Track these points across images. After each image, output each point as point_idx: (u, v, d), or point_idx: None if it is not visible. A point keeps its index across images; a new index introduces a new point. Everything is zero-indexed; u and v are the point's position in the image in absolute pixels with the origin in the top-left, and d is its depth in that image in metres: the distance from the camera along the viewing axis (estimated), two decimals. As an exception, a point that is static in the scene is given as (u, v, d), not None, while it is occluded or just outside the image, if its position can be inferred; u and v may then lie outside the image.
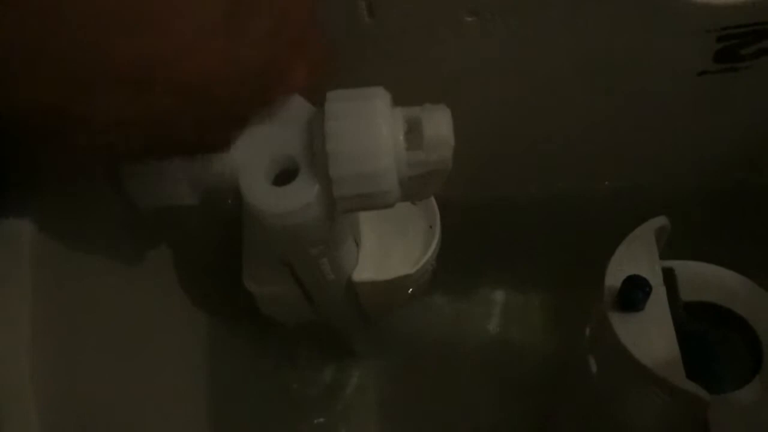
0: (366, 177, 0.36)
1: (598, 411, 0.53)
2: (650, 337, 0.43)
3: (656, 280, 0.45)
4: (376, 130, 0.36)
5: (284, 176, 0.38)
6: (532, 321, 0.65)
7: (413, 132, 0.38)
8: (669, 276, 0.50)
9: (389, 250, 0.51)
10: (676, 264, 0.51)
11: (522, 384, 0.63)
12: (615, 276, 0.45)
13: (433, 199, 0.51)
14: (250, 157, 0.38)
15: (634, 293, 0.43)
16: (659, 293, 0.45)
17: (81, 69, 0.26)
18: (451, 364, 0.64)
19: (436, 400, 0.63)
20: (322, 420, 0.63)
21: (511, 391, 0.62)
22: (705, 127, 0.60)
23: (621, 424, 0.50)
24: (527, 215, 0.67)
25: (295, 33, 0.35)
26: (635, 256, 0.46)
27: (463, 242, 0.54)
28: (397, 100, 0.38)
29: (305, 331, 0.59)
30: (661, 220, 0.48)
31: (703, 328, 0.50)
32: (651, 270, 0.46)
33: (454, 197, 0.52)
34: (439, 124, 0.37)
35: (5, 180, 0.35)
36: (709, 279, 0.51)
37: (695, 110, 0.58)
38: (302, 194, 0.37)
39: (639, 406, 0.47)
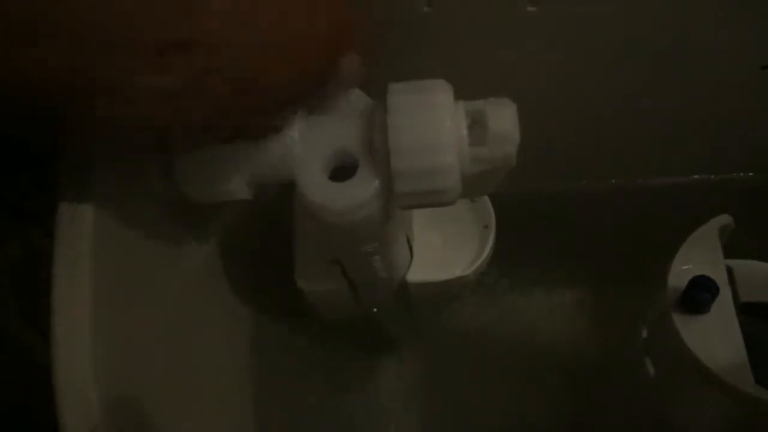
0: (429, 173, 0.35)
1: (649, 413, 0.52)
2: (716, 340, 0.42)
3: (721, 281, 0.44)
4: (439, 124, 0.35)
5: (341, 172, 0.37)
6: (574, 319, 0.63)
7: (476, 127, 0.36)
8: (728, 276, 0.49)
9: (444, 249, 0.49)
10: (734, 263, 0.50)
11: (561, 382, 0.61)
12: (678, 276, 0.43)
13: (487, 198, 0.49)
14: (307, 152, 0.36)
15: (701, 295, 0.42)
16: (725, 294, 0.43)
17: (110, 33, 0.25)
18: (488, 360, 0.63)
19: (473, 393, 0.62)
20: (361, 408, 0.62)
21: (550, 389, 0.61)
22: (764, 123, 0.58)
23: (675, 427, 0.49)
24: (571, 210, 0.65)
25: (334, 16, 0.33)
26: (699, 256, 0.45)
27: (505, 236, 0.52)
28: (456, 91, 0.37)
29: (347, 323, 0.58)
30: (724, 218, 0.46)
31: (765, 330, 0.49)
32: (715, 270, 0.44)
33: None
34: (504, 118, 0.36)
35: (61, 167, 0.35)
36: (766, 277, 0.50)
37: (756, 104, 0.56)
38: (362, 190, 0.36)
39: (699, 411, 0.45)
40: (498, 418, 0.61)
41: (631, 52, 0.51)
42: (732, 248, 0.50)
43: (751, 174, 0.64)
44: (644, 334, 0.48)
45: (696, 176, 0.63)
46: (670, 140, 0.59)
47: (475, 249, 0.49)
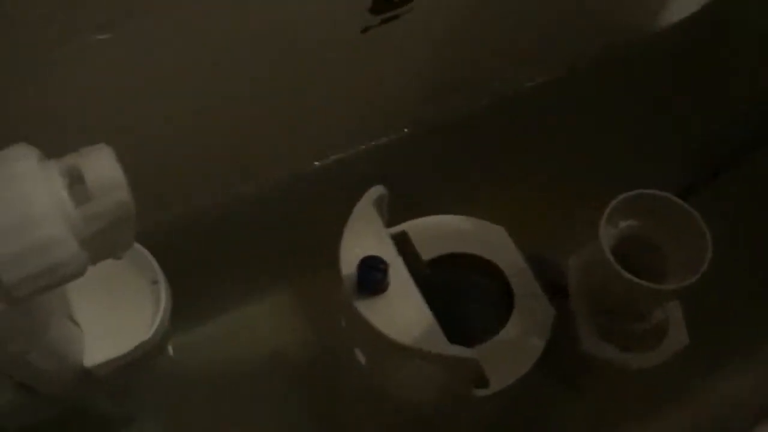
0: (33, 252, 0.30)
1: (376, 400, 0.51)
2: (402, 313, 0.41)
3: (390, 254, 0.43)
4: (28, 195, 0.30)
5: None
6: (283, 324, 0.61)
7: (77, 184, 0.32)
8: (403, 240, 0.49)
9: (116, 319, 0.45)
10: (405, 225, 0.50)
11: (299, 389, 0.59)
12: (349, 262, 0.42)
13: (149, 254, 0.46)
14: None
15: (372, 276, 0.41)
16: (397, 266, 0.43)
17: None
18: (219, 395, 0.59)
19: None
20: None
21: (290, 400, 0.58)
22: (379, 80, 0.59)
23: (402, 402, 0.49)
24: (231, 221, 0.63)
25: None
26: (362, 236, 0.44)
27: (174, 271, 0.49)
28: (50, 150, 0.32)
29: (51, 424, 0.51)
30: (378, 190, 0.46)
31: (453, 281, 0.49)
32: (382, 244, 0.44)
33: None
34: (101, 166, 0.32)
35: None
36: (441, 230, 0.50)
37: (367, 66, 0.56)
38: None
39: (416, 381, 0.45)
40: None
41: (229, 47, 0.49)
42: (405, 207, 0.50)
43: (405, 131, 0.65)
44: (343, 323, 0.47)
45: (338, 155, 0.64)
46: (308, 123, 0.59)
47: (150, 309, 0.45)
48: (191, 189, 0.59)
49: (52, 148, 0.33)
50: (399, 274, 0.43)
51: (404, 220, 0.50)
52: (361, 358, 0.46)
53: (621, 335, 0.48)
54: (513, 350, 0.46)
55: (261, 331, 0.60)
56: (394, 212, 0.49)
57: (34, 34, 0.41)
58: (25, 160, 0.31)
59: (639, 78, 0.68)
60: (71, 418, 0.51)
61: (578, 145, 0.65)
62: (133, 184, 0.33)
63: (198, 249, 0.60)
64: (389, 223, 0.49)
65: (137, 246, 0.46)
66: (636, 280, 0.41)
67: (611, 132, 0.66)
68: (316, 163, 0.63)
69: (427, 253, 0.49)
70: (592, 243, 0.44)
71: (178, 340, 0.57)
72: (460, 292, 0.50)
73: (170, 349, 0.51)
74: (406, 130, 0.65)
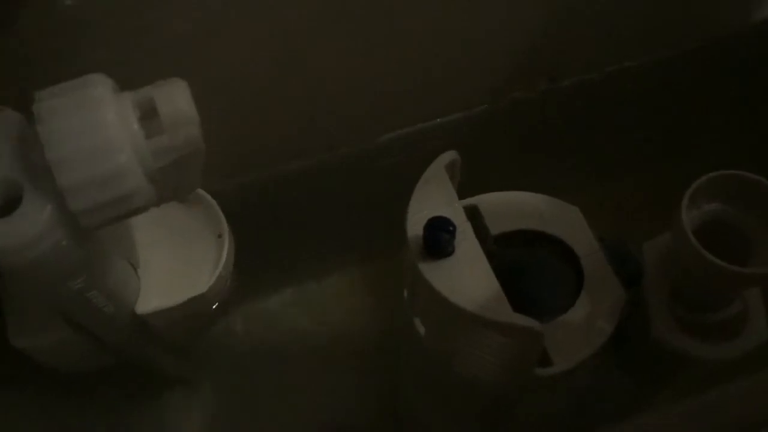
0: (104, 180, 0.30)
1: (438, 371, 0.50)
2: (467, 279, 0.40)
3: (459, 218, 0.42)
4: (101, 122, 0.30)
5: (11, 204, 0.32)
6: (352, 302, 0.61)
7: (150, 117, 0.32)
8: (473, 213, 0.48)
9: (177, 270, 0.45)
10: (477, 199, 0.49)
11: (362, 367, 0.58)
12: (416, 224, 0.41)
13: (217, 206, 0.46)
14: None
15: (438, 236, 0.40)
16: (466, 231, 0.42)
17: None
18: (280, 368, 0.59)
19: (276, 406, 0.58)
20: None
21: (352, 378, 0.58)
22: (463, 49, 0.58)
23: (464, 377, 0.47)
24: (313, 191, 0.63)
25: None
26: (432, 198, 0.43)
27: (244, 235, 0.48)
28: (128, 84, 0.32)
29: (109, 372, 0.52)
30: (450, 155, 0.45)
31: (521, 258, 0.48)
32: (451, 208, 0.43)
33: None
34: (175, 100, 0.32)
35: None
36: (513, 206, 0.49)
37: (454, 29, 0.55)
38: (32, 219, 0.31)
39: (476, 354, 0.44)
40: (302, 417, 0.57)
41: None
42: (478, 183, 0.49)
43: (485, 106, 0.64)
44: (405, 294, 0.46)
45: (423, 124, 0.63)
46: (394, 92, 0.58)
47: (211, 263, 0.45)
48: (263, 153, 0.59)
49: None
50: (467, 239, 0.41)
51: (474, 195, 0.49)
52: (420, 329, 0.45)
53: (696, 325, 0.46)
54: (579, 332, 0.45)
55: (327, 304, 0.60)
56: (464, 188, 0.48)
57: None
58: (100, 87, 0.31)
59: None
60: (127, 370, 0.51)
61: (662, 133, 0.63)
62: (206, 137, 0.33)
63: (271, 217, 0.60)
64: (459, 197, 0.48)
65: (206, 196, 0.46)
66: (718, 261, 0.39)
67: (700, 121, 0.64)
68: (389, 135, 0.63)
69: (495, 228, 0.48)
70: (671, 229, 0.43)
71: (245, 309, 0.58)
72: (528, 269, 0.48)
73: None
74: (485, 106, 0.64)
